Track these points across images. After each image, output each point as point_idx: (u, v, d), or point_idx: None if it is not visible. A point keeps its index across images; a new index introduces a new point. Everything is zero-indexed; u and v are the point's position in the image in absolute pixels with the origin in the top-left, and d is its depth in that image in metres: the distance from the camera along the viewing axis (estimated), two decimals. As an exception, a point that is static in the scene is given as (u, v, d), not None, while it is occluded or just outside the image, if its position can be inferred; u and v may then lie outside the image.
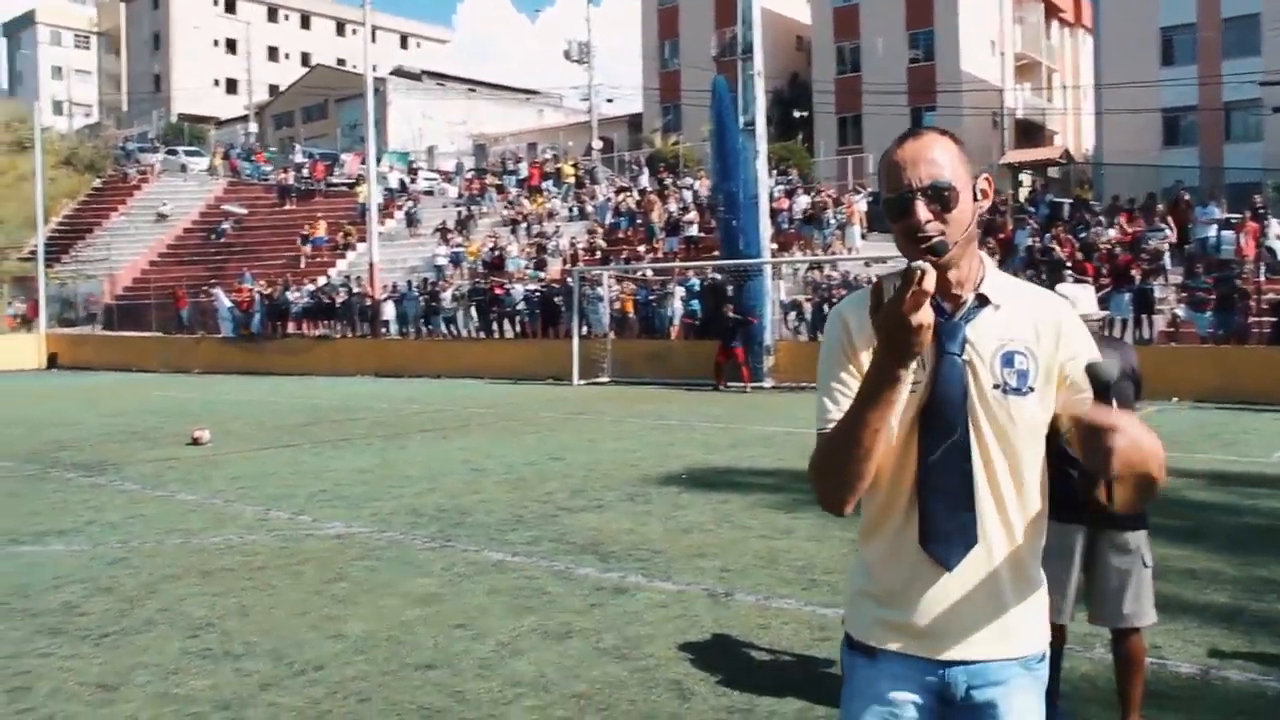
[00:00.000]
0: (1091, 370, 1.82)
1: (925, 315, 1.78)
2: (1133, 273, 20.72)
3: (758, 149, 23.57)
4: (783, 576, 6.79)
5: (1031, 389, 2.02)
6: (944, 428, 2.01)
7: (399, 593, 6.49)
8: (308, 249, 40.27)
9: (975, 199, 2.05)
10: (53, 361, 39.85)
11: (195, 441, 14.20)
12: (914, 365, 1.92)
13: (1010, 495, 2.04)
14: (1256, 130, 38.13)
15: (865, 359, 2.03)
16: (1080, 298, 4.41)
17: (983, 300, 2.05)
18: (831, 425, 2.02)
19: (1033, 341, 2.03)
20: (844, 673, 2.17)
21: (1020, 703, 2.06)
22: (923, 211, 1.96)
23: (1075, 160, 44.41)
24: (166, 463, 12.61)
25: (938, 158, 1.99)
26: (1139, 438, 1.71)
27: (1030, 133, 50.78)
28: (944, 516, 2.02)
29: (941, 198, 1.97)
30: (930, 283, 1.76)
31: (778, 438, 14.29)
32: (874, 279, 1.85)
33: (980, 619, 2.04)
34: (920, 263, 1.76)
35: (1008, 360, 2.02)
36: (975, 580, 2.03)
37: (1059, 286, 4.57)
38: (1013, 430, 2.02)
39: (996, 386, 2.02)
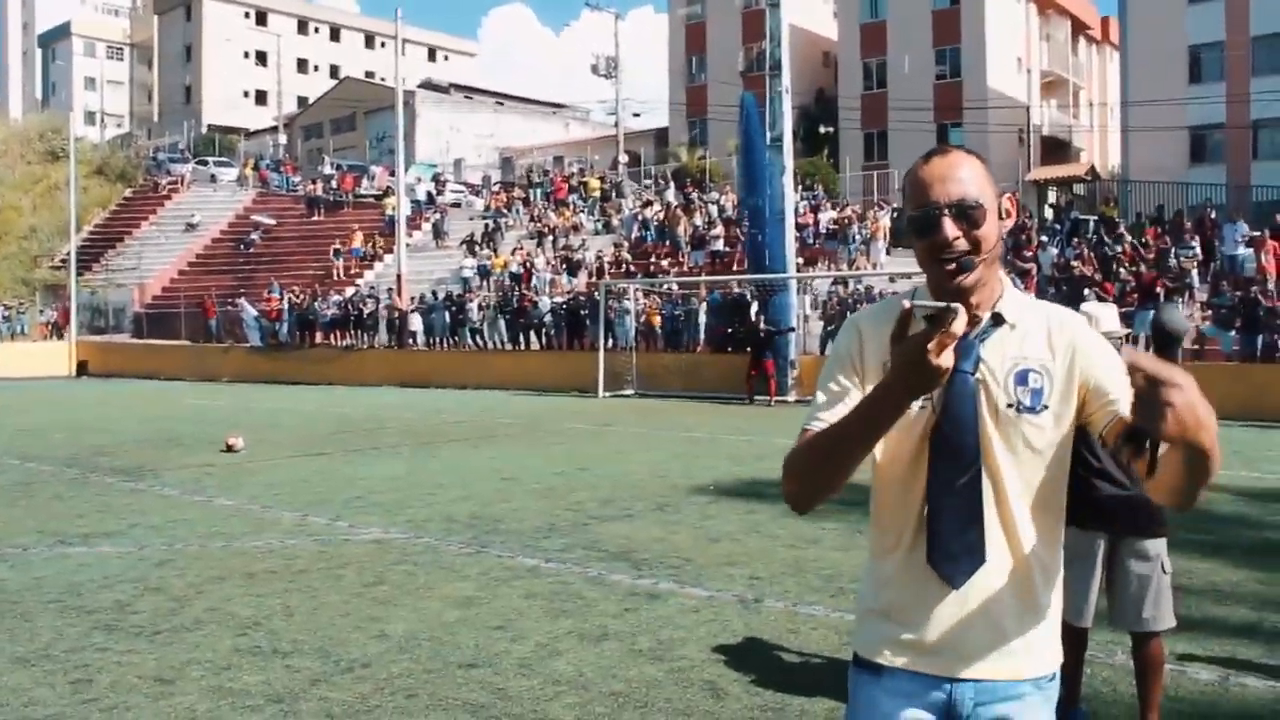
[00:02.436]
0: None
1: (948, 359, 1.75)
2: (1157, 290, 20.75)
3: (785, 164, 23.76)
4: (810, 584, 6.96)
5: (1046, 407, 2.01)
6: (955, 447, 2.00)
7: (438, 595, 6.69)
8: (339, 263, 40.53)
9: (1000, 218, 2.03)
10: (83, 369, 40.41)
11: (229, 448, 14.46)
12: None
13: (1021, 515, 2.02)
14: (1285, 148, 38.10)
15: (872, 375, 2.04)
16: (1103, 315, 4.58)
17: (998, 319, 2.04)
18: (819, 425, 2.02)
19: (1048, 359, 2.02)
20: (849, 692, 2.16)
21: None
22: (950, 229, 1.95)
23: (1101, 177, 44.39)
24: (203, 469, 12.87)
25: (965, 175, 1.99)
26: (1197, 400, 1.61)
27: (1056, 150, 50.76)
28: (952, 535, 2.01)
29: (969, 215, 1.97)
30: (960, 326, 1.73)
31: (803, 451, 14.39)
32: (905, 304, 1.80)
33: (987, 638, 2.02)
34: (956, 305, 1.74)
35: (1021, 378, 2.01)
36: (982, 599, 2.01)
37: (1083, 305, 4.74)
38: (1026, 450, 2.01)
39: (1010, 405, 2.00)
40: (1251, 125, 38.80)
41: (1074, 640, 4.53)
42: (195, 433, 17.15)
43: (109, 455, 14.28)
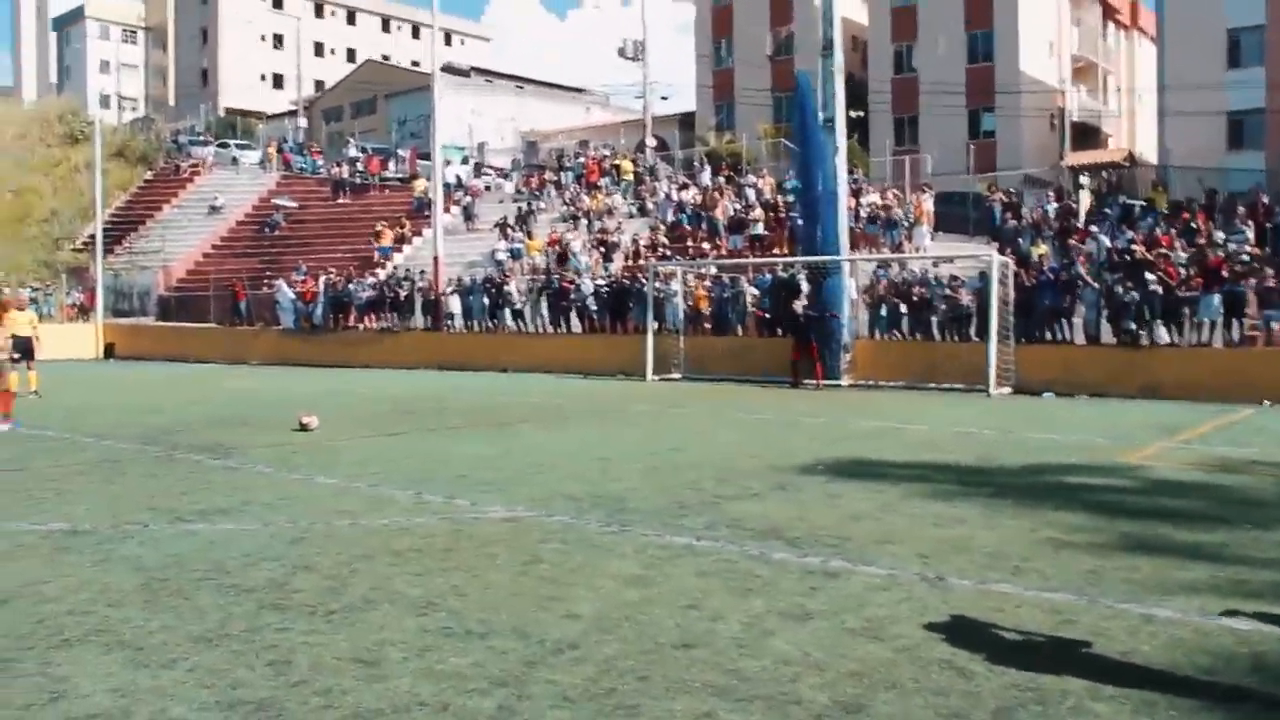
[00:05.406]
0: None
1: None
2: (1223, 273, 20.41)
3: (837, 145, 23.42)
4: (980, 563, 6.68)
5: None
6: None
7: (606, 574, 6.41)
8: (375, 250, 40.16)
9: None
10: (109, 351, 40.22)
11: (304, 427, 14.19)
12: None
13: None
14: (1326, 134, 37.67)
15: None
16: None
17: None
18: None
19: None
20: None
21: None
22: None
23: (1139, 163, 43.98)
24: (284, 447, 12.61)
25: None
26: None
27: (1086, 135, 50.35)
28: None
29: None
30: None
31: (886, 432, 14.15)
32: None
33: None
34: None
35: None
36: None
37: None
38: None
39: None
40: (1293, 110, 38.36)
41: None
42: (257, 413, 16.90)
43: (181, 434, 14.01)
